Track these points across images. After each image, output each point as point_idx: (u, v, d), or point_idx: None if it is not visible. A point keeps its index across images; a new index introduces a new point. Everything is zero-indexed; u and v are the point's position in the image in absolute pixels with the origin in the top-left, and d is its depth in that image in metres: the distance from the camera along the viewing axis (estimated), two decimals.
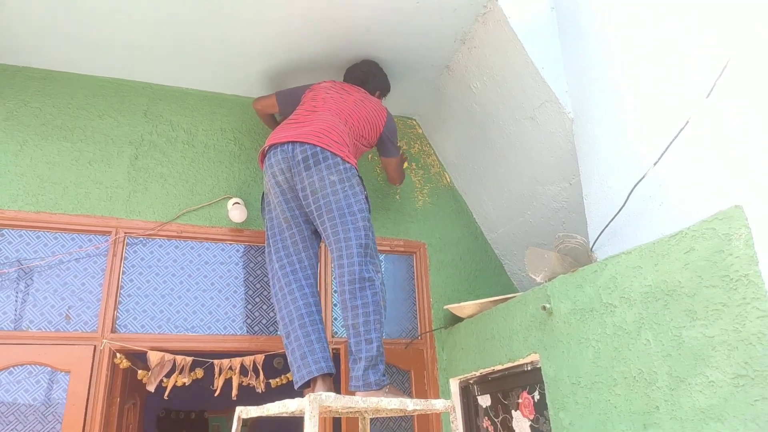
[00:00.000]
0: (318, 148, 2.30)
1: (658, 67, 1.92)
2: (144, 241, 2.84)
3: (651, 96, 1.96)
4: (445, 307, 2.92)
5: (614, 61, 2.16)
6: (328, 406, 1.80)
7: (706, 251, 1.45)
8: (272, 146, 2.41)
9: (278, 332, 2.83)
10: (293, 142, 2.34)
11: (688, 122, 1.74)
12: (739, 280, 1.36)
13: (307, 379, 2.15)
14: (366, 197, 2.32)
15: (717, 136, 1.65)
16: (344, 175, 2.27)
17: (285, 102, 2.79)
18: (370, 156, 3.37)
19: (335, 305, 2.99)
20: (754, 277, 1.33)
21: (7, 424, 2.40)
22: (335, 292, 3.01)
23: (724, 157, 1.62)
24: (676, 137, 1.77)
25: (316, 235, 2.43)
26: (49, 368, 2.52)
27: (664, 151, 1.81)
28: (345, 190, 2.24)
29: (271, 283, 2.39)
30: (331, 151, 2.30)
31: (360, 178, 2.36)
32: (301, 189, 2.31)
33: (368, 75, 2.84)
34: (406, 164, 3.20)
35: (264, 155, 2.48)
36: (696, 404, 1.46)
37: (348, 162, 2.32)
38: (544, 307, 2.07)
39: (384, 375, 2.07)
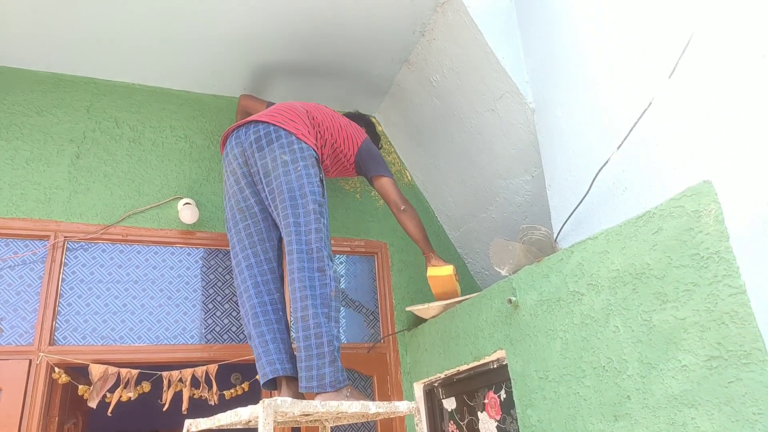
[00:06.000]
0: (271, 127, 2.20)
1: (619, 49, 1.89)
2: (86, 246, 2.65)
3: (612, 80, 1.92)
4: (408, 308, 2.81)
5: (574, 47, 2.13)
6: (285, 412, 1.67)
7: (674, 230, 1.40)
8: (229, 135, 2.32)
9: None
10: (247, 124, 2.26)
11: (651, 103, 1.70)
12: (710, 258, 1.31)
13: (264, 381, 2.02)
14: (321, 180, 2.18)
15: (681, 116, 1.61)
16: (298, 155, 2.14)
17: None
18: None
19: None
20: (726, 253, 1.27)
21: None
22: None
23: (688, 136, 1.58)
24: (639, 119, 1.73)
25: (276, 226, 2.26)
26: None
27: (627, 134, 1.77)
28: (298, 171, 2.10)
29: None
30: (285, 129, 2.19)
31: (317, 159, 2.23)
32: (256, 172, 2.19)
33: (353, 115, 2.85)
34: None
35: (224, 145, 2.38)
36: (668, 391, 1.40)
37: (303, 141, 2.19)
38: (509, 300, 1.99)
39: (342, 373, 1.93)
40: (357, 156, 2.51)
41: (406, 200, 2.52)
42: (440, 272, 2.53)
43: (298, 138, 2.18)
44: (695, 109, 1.57)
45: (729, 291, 1.26)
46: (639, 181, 1.76)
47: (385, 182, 2.51)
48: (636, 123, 1.74)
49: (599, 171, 1.90)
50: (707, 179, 1.33)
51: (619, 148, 1.81)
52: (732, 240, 1.27)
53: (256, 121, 2.25)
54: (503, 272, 2.16)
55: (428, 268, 2.56)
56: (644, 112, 1.71)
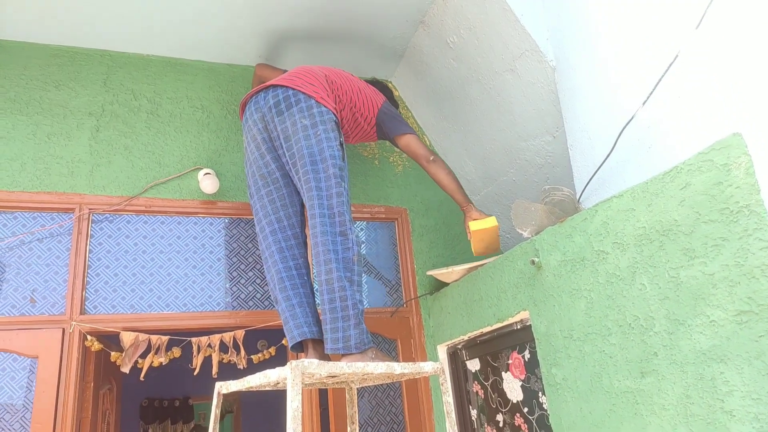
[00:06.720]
0: (290, 91, 2.19)
1: (642, 1, 1.83)
2: (110, 218, 2.69)
3: (636, 33, 1.86)
4: (429, 272, 2.83)
5: (595, 0, 2.06)
6: (312, 374, 1.70)
7: (703, 185, 1.37)
8: (248, 101, 2.32)
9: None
10: (265, 89, 2.25)
11: (677, 56, 1.65)
12: (739, 212, 1.29)
13: (292, 344, 2.05)
14: (341, 144, 2.17)
15: (709, 68, 1.56)
16: (317, 119, 2.13)
17: None
18: None
19: None
20: (756, 206, 1.25)
21: None
22: None
23: (716, 89, 1.54)
24: (665, 73, 1.68)
25: (298, 191, 2.25)
26: (15, 354, 2.38)
27: (653, 89, 1.72)
28: (318, 135, 2.09)
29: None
30: (304, 93, 2.18)
31: (336, 123, 2.21)
32: (276, 137, 2.18)
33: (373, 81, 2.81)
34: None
35: (244, 110, 2.38)
36: (696, 346, 1.39)
37: (323, 105, 2.18)
38: (533, 261, 1.99)
39: (367, 335, 1.95)
40: (377, 118, 2.49)
41: (433, 152, 2.49)
42: (485, 225, 2.35)
43: (317, 102, 2.16)
44: (723, 61, 1.52)
45: (760, 245, 1.24)
46: (664, 139, 1.73)
47: (409, 139, 2.48)
48: (662, 77, 1.69)
49: (623, 129, 1.86)
50: (737, 131, 1.29)
51: (644, 104, 1.77)
52: (763, 193, 1.24)
53: (275, 86, 2.23)
54: (525, 234, 2.15)
55: (470, 222, 2.39)
56: (670, 65, 1.66)
